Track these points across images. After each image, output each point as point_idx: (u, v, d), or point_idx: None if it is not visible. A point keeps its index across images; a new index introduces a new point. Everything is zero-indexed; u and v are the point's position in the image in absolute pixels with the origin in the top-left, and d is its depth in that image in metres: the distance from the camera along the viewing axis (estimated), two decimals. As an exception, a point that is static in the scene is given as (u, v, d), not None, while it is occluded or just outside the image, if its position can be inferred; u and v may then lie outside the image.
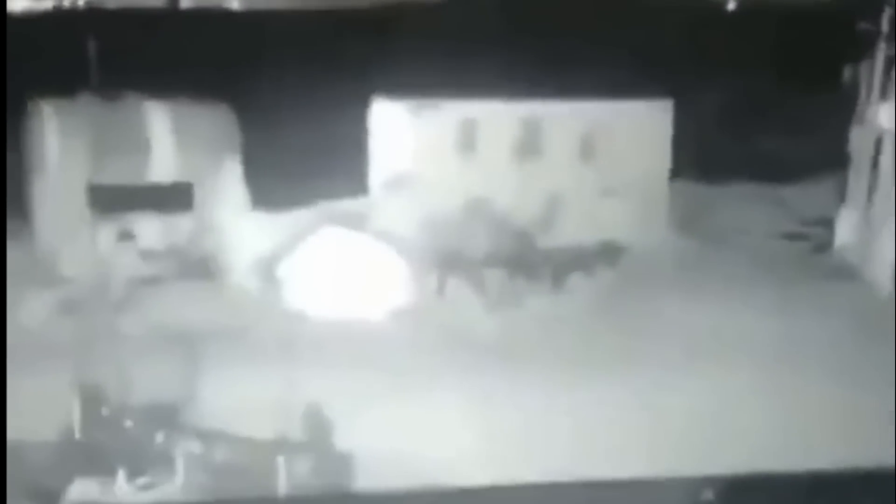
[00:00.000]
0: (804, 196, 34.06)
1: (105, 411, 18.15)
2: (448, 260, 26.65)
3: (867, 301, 25.93)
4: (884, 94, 28.22)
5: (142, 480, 17.55)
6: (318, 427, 18.12)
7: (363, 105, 29.69)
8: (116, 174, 25.89)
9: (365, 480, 17.61)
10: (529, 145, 29.85)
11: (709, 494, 15.00)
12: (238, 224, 26.37)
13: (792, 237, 32.49)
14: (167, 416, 18.38)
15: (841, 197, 29.82)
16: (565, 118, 30.08)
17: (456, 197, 28.31)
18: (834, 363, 21.47)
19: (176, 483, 17.58)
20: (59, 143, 25.32)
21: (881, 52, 28.48)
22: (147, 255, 25.73)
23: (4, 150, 26.03)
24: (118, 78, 27.13)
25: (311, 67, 33.63)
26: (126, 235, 25.77)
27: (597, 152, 30.60)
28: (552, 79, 30.08)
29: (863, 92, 29.17)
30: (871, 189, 28.37)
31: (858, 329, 23.53)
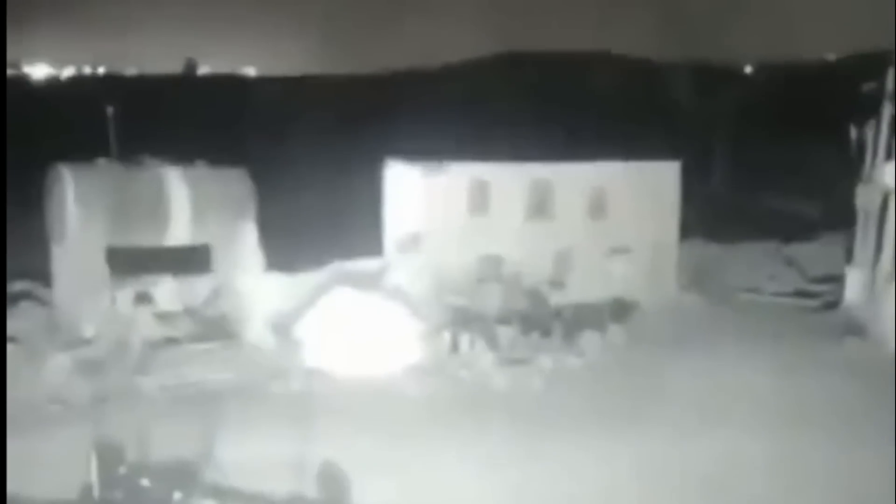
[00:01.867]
0: (812, 254, 34.12)
1: (123, 470, 18.10)
2: (461, 317, 26.69)
3: (875, 359, 25.80)
4: (889, 154, 28.24)
5: (159, 538, 17.49)
6: (334, 485, 18.07)
7: (377, 168, 29.90)
8: (135, 237, 26.02)
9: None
10: (541, 205, 30.01)
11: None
12: (254, 285, 26.43)
13: (800, 295, 32.47)
14: (184, 475, 18.33)
15: (848, 255, 29.78)
16: (575, 179, 30.24)
17: (469, 256, 28.42)
18: (842, 422, 21.31)
19: (193, 540, 17.52)
20: (78, 207, 25.44)
21: (886, 112, 28.56)
22: (164, 316, 25.79)
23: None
24: (137, 143, 27.39)
25: (326, 132, 33.92)
26: (144, 297, 25.84)
27: (607, 212, 30.74)
28: (562, 141, 30.33)
29: (869, 151, 29.23)
30: (878, 247, 28.32)
31: (867, 387, 23.37)
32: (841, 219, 30.70)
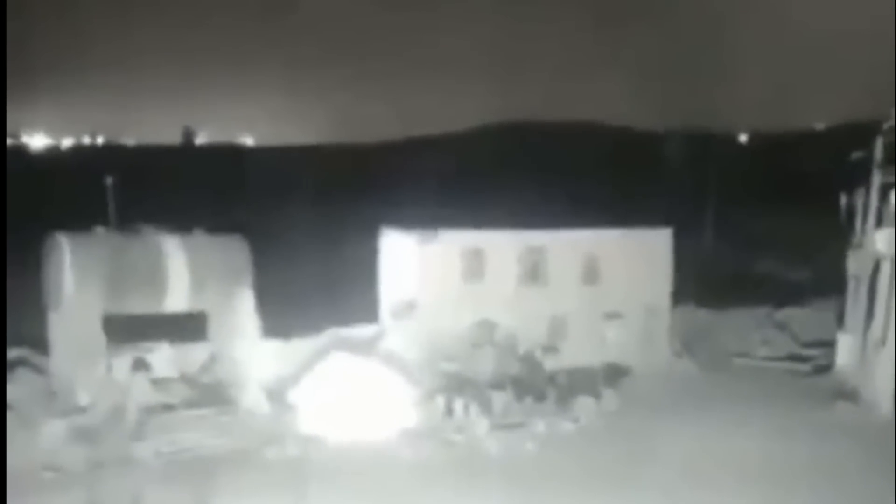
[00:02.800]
0: (803, 320, 34.14)
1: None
2: (455, 382, 26.66)
3: (867, 422, 25.78)
4: (879, 220, 28.37)
5: None
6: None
7: (373, 236, 30.01)
8: (132, 305, 26.01)
9: None
10: (534, 271, 30.09)
11: None
12: (250, 351, 26.41)
13: (792, 360, 32.47)
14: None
15: (839, 320, 29.82)
16: (569, 245, 30.31)
17: (463, 321, 28.42)
18: (833, 486, 21.26)
19: None
20: (75, 274, 25.44)
21: (875, 180, 28.73)
22: (160, 383, 25.70)
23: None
24: (135, 212, 27.47)
25: (323, 200, 33.99)
26: (140, 364, 25.78)
27: (600, 277, 30.80)
28: (556, 208, 30.41)
29: (859, 218, 29.36)
30: (870, 312, 28.36)
31: (858, 450, 23.35)
32: (832, 284, 30.77)
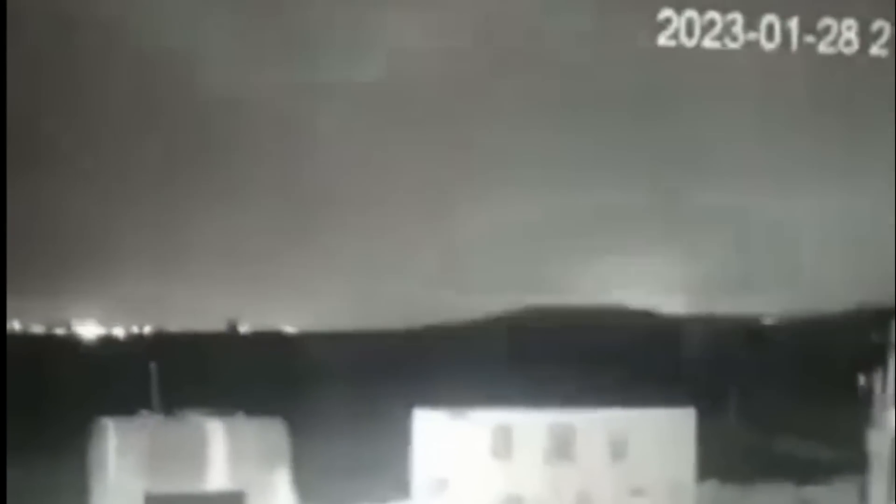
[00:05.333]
0: (826, 497, 33.87)
1: None
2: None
3: None
4: (896, 401, 28.55)
5: None
6: None
7: (405, 415, 30.20)
8: (173, 484, 26.16)
9: None
10: (561, 448, 30.09)
11: None
12: (287, 530, 26.39)
13: (818, 536, 32.15)
14: None
15: (862, 497, 29.62)
16: (595, 424, 30.36)
17: (492, 498, 28.38)
18: None
19: None
20: (118, 457, 25.70)
21: (892, 361, 28.93)
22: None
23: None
24: (178, 396, 27.85)
25: (358, 382, 34.24)
26: (181, 541, 25.80)
27: (626, 455, 30.72)
28: (582, 388, 30.54)
29: (877, 398, 29.43)
30: (890, 490, 28.23)
31: None
32: (854, 462, 30.61)
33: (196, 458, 26.40)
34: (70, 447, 27.60)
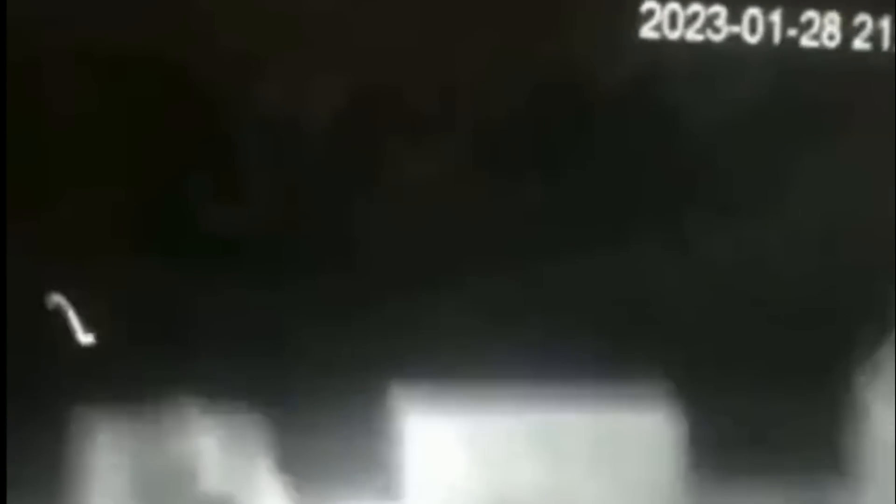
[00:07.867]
0: (820, 498, 33.52)
1: None
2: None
3: None
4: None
5: None
6: None
7: (396, 413, 29.87)
8: (159, 483, 25.80)
9: None
10: (549, 449, 29.76)
11: None
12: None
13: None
14: None
15: (858, 498, 29.32)
16: (582, 423, 30.00)
17: (481, 499, 27.97)
18: None
19: None
20: (102, 453, 25.38)
21: (891, 358, 28.71)
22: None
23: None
24: (166, 391, 27.47)
25: (350, 379, 34.04)
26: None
27: (615, 454, 30.36)
28: (568, 389, 30.21)
29: (874, 396, 29.22)
30: (888, 490, 27.95)
31: None
32: (850, 462, 30.35)
33: (184, 456, 26.01)
34: (54, 440, 27.17)
